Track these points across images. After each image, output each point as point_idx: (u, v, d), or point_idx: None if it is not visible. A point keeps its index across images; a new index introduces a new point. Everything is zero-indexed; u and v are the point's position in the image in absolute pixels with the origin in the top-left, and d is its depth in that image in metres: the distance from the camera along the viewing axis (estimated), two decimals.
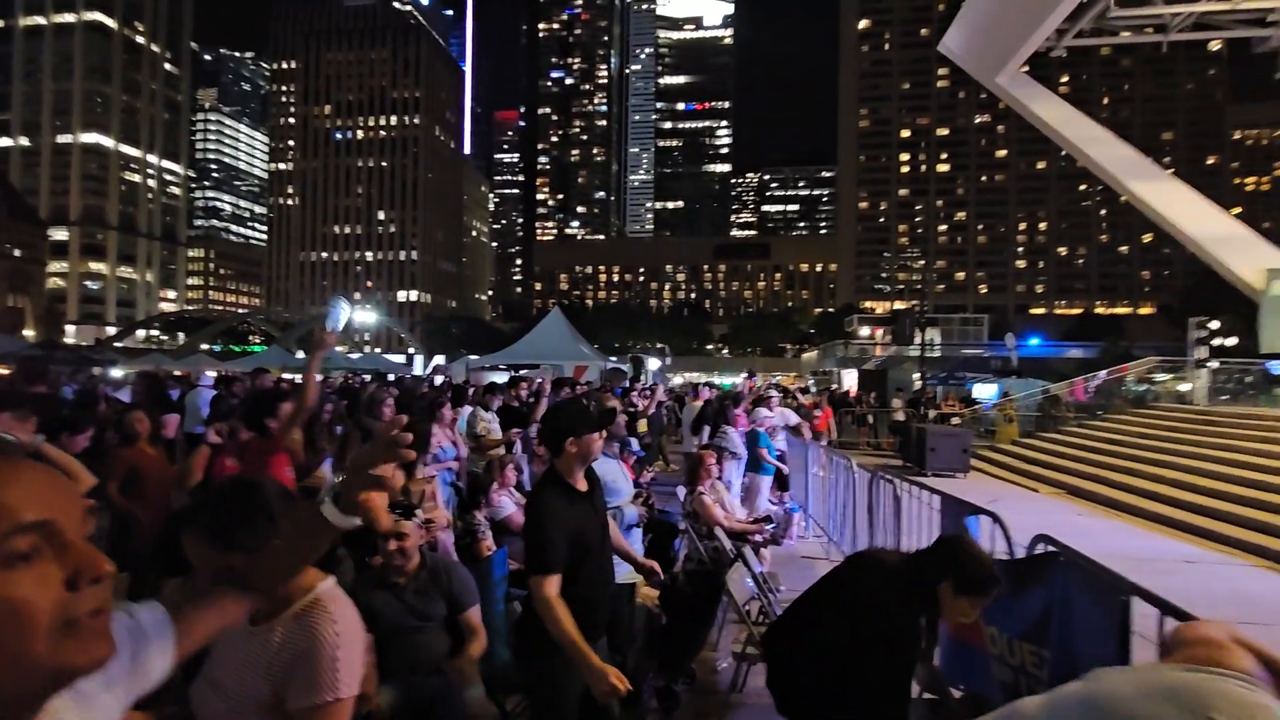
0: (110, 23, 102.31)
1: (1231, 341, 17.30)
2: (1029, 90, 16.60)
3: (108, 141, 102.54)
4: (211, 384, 9.39)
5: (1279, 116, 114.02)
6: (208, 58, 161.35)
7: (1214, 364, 16.39)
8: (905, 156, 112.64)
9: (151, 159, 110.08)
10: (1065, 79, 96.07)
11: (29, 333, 70.13)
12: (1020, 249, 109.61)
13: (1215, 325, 16.75)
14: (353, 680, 1.30)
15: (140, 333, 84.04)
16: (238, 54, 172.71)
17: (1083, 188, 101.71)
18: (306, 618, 1.31)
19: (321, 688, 1.26)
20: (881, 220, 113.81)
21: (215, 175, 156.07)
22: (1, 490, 0.62)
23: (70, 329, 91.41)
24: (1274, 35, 13.73)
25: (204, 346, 51.68)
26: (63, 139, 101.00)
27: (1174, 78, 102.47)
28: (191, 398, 7.69)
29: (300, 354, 35.90)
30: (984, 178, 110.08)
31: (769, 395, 8.90)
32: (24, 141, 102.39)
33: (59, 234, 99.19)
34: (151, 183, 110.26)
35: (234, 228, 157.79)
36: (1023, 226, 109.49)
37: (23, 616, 0.60)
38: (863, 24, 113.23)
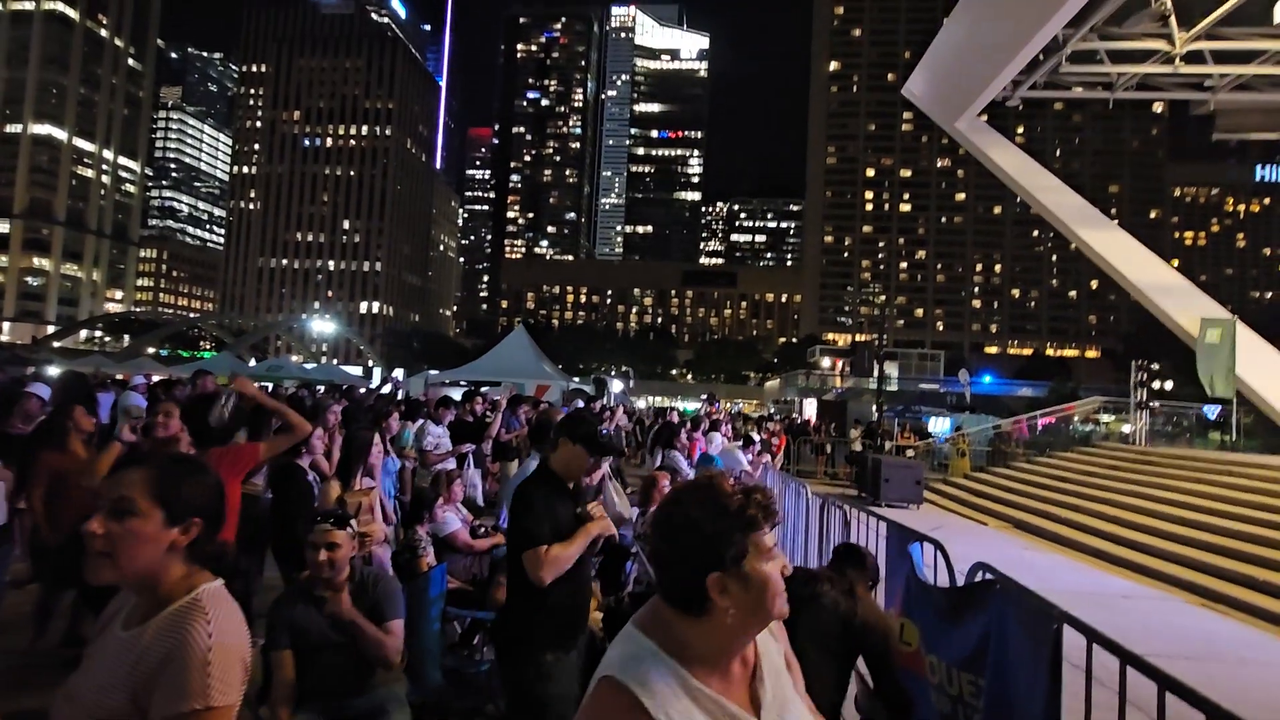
0: (72, 13, 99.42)
1: (1169, 385, 18.05)
2: (986, 137, 17.27)
3: (60, 134, 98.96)
4: (143, 387, 8.99)
5: (1216, 176, 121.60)
6: (174, 56, 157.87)
7: (1155, 404, 17.08)
8: (870, 195, 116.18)
9: (107, 154, 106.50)
10: (1021, 129, 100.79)
11: None
12: (976, 289, 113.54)
13: (1155, 369, 17.48)
14: (228, 689, 1.16)
15: (83, 333, 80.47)
16: (206, 54, 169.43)
17: (1035, 233, 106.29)
18: (179, 618, 1.20)
19: (189, 694, 1.12)
20: (845, 255, 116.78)
21: (174, 175, 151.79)
22: None
23: (5, 326, 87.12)
24: (1210, 99, 14.60)
25: (150, 350, 49.78)
26: (12, 128, 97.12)
27: (1120, 134, 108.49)
28: (122, 400, 7.34)
29: (252, 361, 34.78)
30: (943, 219, 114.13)
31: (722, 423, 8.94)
32: None
33: (0, 226, 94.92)
34: (105, 179, 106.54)
35: (190, 229, 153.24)
36: (979, 268, 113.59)
37: None
38: (832, 66, 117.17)
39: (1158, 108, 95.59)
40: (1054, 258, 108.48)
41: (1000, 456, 17.26)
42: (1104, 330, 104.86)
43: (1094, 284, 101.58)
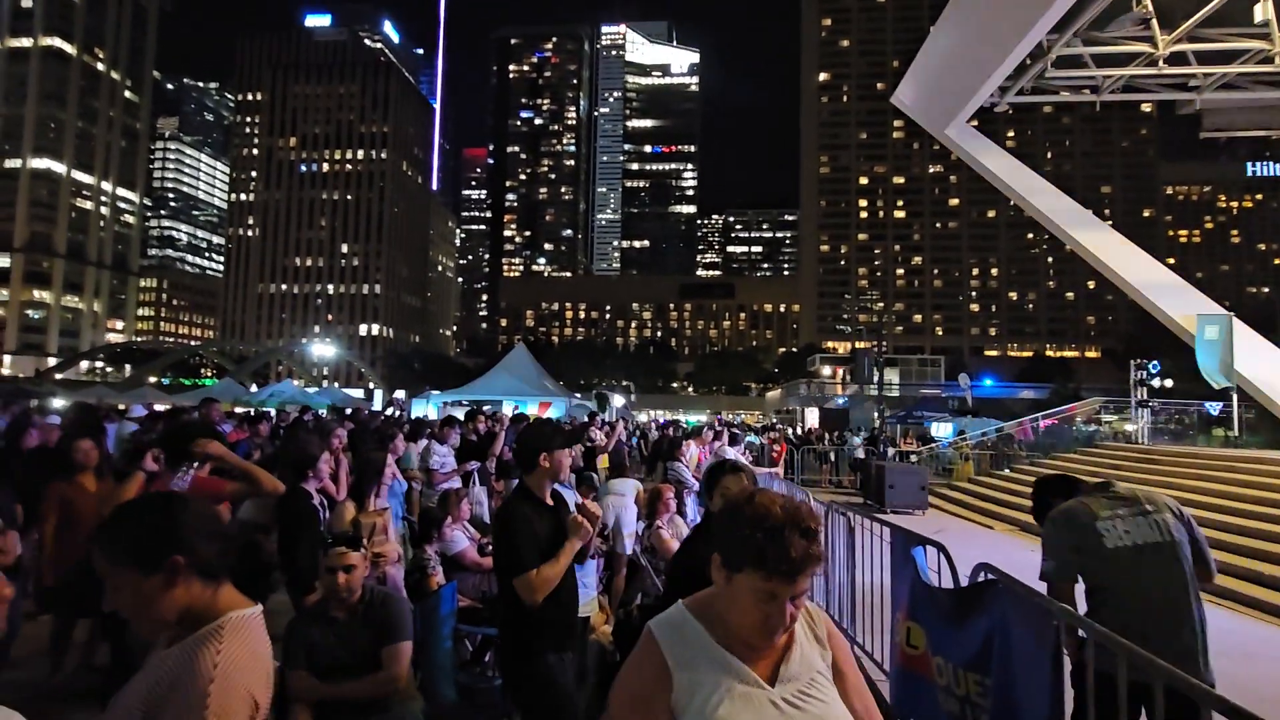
0: (69, 49, 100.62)
1: (1169, 383, 18.09)
2: (976, 143, 17.45)
3: (59, 167, 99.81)
4: (141, 416, 9.07)
5: (1207, 175, 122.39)
6: (170, 87, 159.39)
7: (1155, 404, 17.12)
8: (864, 202, 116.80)
9: (105, 186, 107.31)
10: (1011, 133, 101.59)
11: None
12: (974, 293, 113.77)
13: (1154, 368, 17.53)
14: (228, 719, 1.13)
15: (84, 364, 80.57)
16: (201, 84, 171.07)
17: (1030, 236, 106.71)
18: (195, 644, 1.20)
19: None
20: (842, 263, 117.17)
21: (173, 204, 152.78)
22: None
23: (6, 359, 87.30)
24: (1195, 99, 14.77)
25: (152, 379, 49.84)
26: (11, 163, 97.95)
27: (1110, 136, 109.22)
28: (120, 431, 7.42)
29: (254, 387, 34.85)
30: (938, 224, 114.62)
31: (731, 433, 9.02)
32: None
33: (1, 260, 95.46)
34: (104, 210, 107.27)
35: (189, 257, 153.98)
36: (975, 272, 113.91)
37: None
38: (822, 77, 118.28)
39: (1146, 108, 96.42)
40: (1050, 259, 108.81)
41: (1004, 459, 17.25)
42: (1103, 330, 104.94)
43: (1091, 284, 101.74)
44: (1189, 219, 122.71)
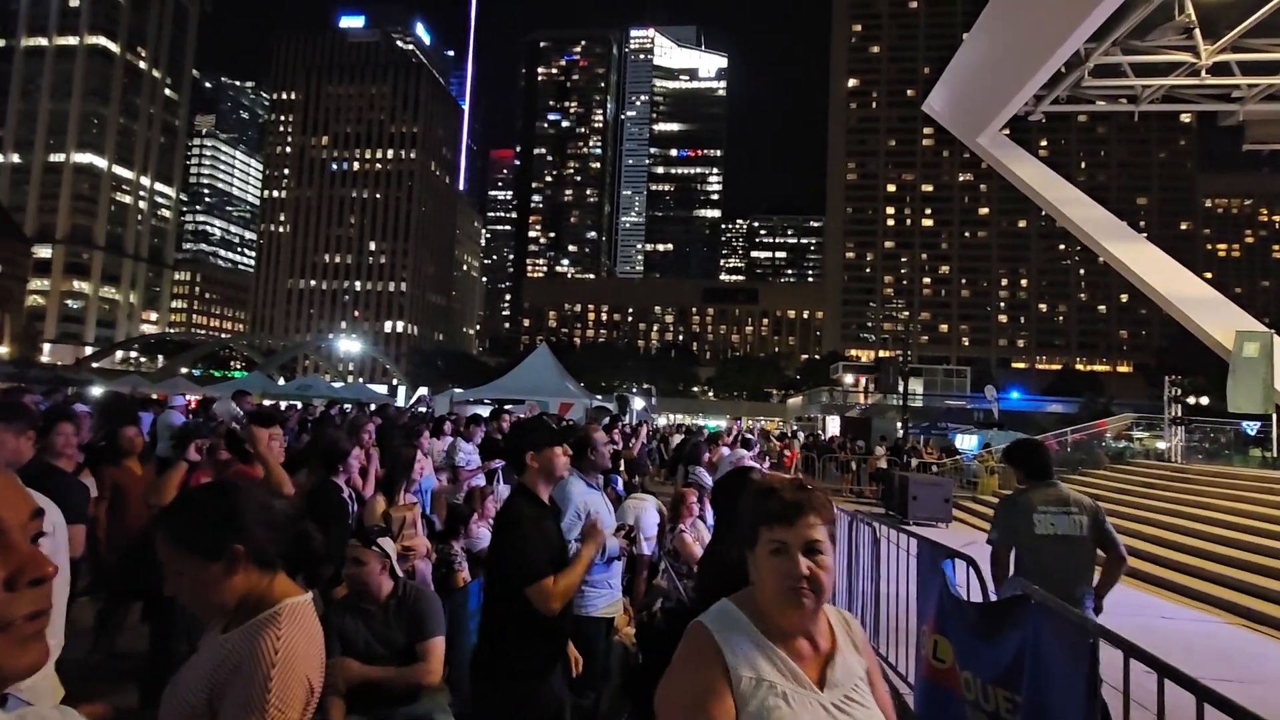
0: (113, 47, 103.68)
1: (1204, 401, 17.64)
2: (1009, 151, 17.15)
3: (101, 162, 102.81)
4: (183, 406, 9.28)
5: (1248, 187, 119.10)
6: (208, 85, 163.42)
7: (1189, 422, 16.69)
8: (891, 210, 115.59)
9: (144, 181, 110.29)
10: (1044, 142, 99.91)
11: (3, 350, 68.87)
12: (1002, 304, 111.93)
13: (1189, 384, 17.10)
14: (287, 705, 1.18)
15: (119, 354, 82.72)
16: (238, 83, 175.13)
17: (1062, 247, 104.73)
18: (254, 629, 1.24)
19: (249, 707, 1.16)
20: (868, 270, 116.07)
21: (207, 199, 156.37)
22: None
23: (46, 347, 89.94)
24: (1238, 110, 14.38)
25: (184, 370, 51.00)
26: (55, 158, 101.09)
27: (1147, 146, 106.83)
28: (163, 419, 7.60)
29: (281, 380, 35.50)
30: (967, 234, 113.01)
31: (748, 438, 9.03)
32: (14, 159, 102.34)
33: (43, 251, 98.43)
34: (142, 204, 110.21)
35: (223, 252, 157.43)
36: (1004, 282, 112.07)
37: None
38: (851, 83, 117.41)
39: (1185, 118, 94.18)
40: (1082, 271, 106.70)
41: None
42: (1136, 345, 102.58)
43: (1124, 297, 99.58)
44: (1228, 232, 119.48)
